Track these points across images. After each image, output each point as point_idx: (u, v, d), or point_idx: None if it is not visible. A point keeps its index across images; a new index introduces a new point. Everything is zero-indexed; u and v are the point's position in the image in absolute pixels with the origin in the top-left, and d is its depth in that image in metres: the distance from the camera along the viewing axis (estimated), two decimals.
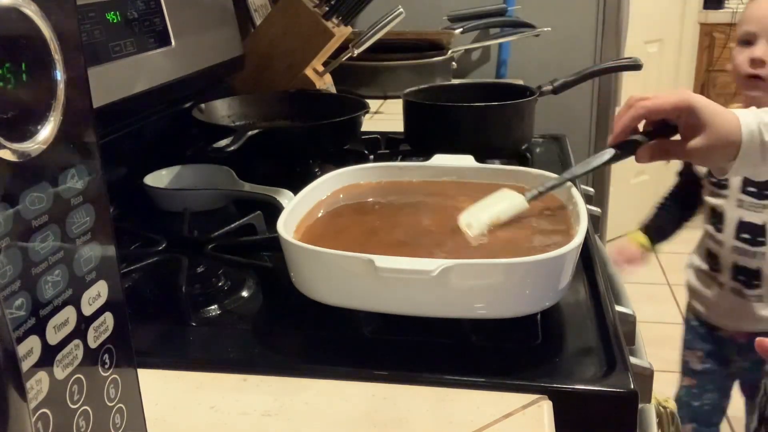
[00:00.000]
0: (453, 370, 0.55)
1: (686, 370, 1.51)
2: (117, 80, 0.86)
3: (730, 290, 1.40)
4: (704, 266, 1.45)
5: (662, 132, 0.79)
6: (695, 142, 0.75)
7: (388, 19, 1.29)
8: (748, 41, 1.31)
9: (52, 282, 0.33)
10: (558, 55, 1.95)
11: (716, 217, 1.40)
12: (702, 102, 0.75)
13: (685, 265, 1.52)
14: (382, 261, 0.54)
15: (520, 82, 1.52)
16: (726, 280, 1.40)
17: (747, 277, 1.37)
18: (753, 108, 0.79)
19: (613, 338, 0.58)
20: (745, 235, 1.35)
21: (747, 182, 1.34)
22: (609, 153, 0.78)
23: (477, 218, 0.70)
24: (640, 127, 0.80)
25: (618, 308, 0.66)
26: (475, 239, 0.68)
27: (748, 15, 1.34)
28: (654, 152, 0.78)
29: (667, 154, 0.79)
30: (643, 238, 1.52)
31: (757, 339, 0.70)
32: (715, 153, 0.77)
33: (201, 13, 1.10)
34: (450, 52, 1.69)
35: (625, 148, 0.78)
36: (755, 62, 1.29)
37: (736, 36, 1.37)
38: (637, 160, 0.79)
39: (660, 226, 1.55)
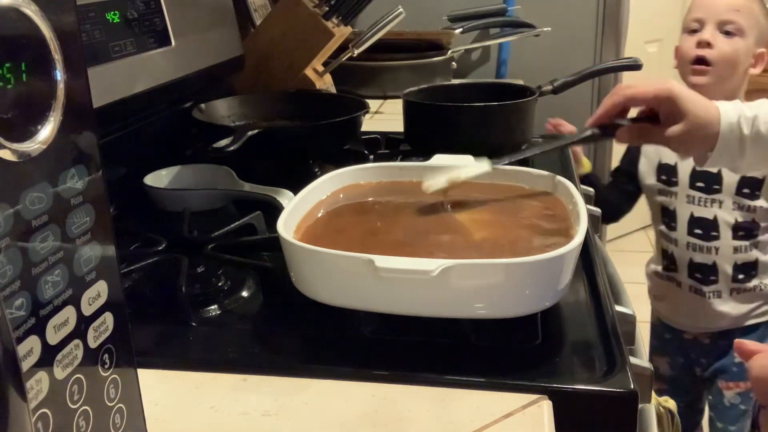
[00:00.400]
0: (453, 370, 0.55)
1: (656, 375, 1.48)
2: (117, 80, 0.86)
3: (688, 289, 1.39)
4: (660, 268, 1.45)
5: (648, 120, 0.82)
6: (674, 128, 0.78)
7: (388, 19, 1.29)
8: (694, 30, 1.32)
9: (52, 282, 0.33)
10: (558, 55, 1.95)
11: (668, 216, 1.40)
12: (682, 91, 0.78)
13: (645, 273, 1.52)
14: (382, 261, 0.54)
15: (520, 82, 1.52)
16: (683, 278, 1.39)
17: (703, 273, 1.37)
18: (737, 101, 0.80)
19: (613, 338, 0.58)
20: (698, 231, 1.35)
21: (695, 177, 1.34)
22: (587, 132, 0.83)
23: (437, 178, 0.75)
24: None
25: (618, 308, 0.66)
26: (432, 195, 0.74)
27: (696, 3, 1.36)
28: (633, 134, 0.82)
29: (646, 138, 0.83)
30: (588, 163, 1.54)
31: (736, 341, 0.71)
32: (694, 141, 0.79)
33: (201, 13, 1.10)
34: (450, 52, 1.69)
35: (605, 131, 0.83)
36: (702, 44, 1.30)
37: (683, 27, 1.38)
38: (617, 140, 0.83)
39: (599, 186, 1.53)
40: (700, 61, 1.30)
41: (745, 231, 1.33)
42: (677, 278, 1.41)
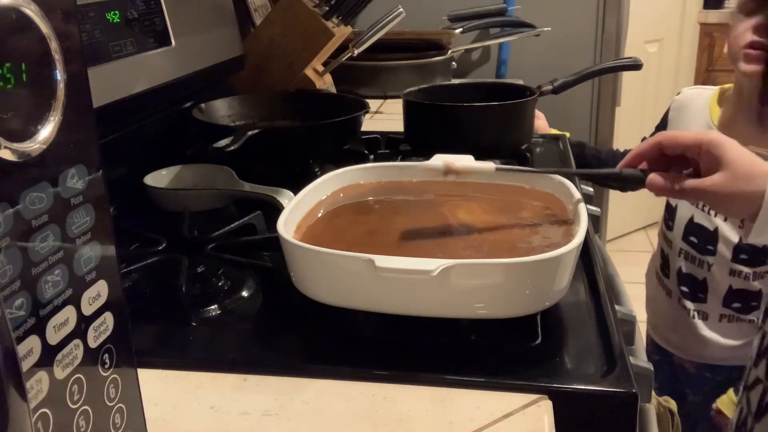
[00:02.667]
0: (453, 370, 0.55)
1: None
2: (117, 80, 0.86)
3: (676, 300, 1.21)
4: (657, 267, 1.27)
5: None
6: (713, 178, 0.68)
7: (388, 18, 1.29)
8: (752, 11, 1.08)
9: (52, 282, 0.33)
10: (558, 55, 1.95)
11: (669, 212, 1.22)
12: (728, 140, 0.69)
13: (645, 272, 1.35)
14: (382, 261, 0.54)
15: (520, 82, 1.52)
16: (673, 286, 1.21)
17: (691, 287, 1.18)
18: None
19: (613, 338, 0.58)
20: (693, 239, 1.16)
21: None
22: (612, 169, 0.76)
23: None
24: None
25: (618, 308, 0.66)
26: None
27: None
28: (667, 181, 0.71)
29: (681, 189, 0.71)
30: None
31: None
32: (735, 199, 0.68)
33: (201, 12, 1.10)
34: (450, 51, 1.70)
35: (632, 177, 0.74)
36: (759, 30, 1.05)
37: (738, 3, 1.12)
38: (649, 188, 0.73)
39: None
40: (756, 45, 1.06)
41: (748, 255, 1.12)
42: (668, 285, 1.24)
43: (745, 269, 1.13)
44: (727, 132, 1.14)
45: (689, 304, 1.19)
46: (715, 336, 1.17)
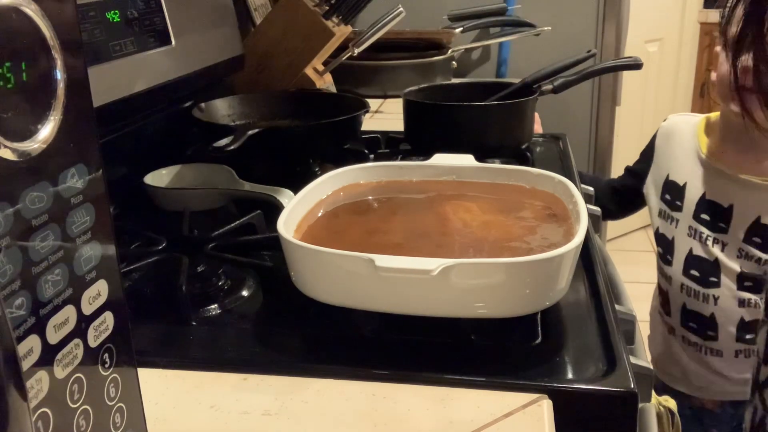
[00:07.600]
0: (453, 369, 0.55)
1: None
2: (117, 80, 0.86)
3: (681, 339, 1.16)
4: (657, 304, 1.21)
5: None
6: None
7: (388, 18, 1.29)
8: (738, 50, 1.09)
9: (52, 281, 0.33)
10: (558, 55, 1.94)
11: (665, 246, 1.17)
12: None
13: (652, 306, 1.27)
14: (383, 260, 0.54)
15: None
16: (676, 325, 1.16)
17: (699, 324, 1.12)
18: None
19: (613, 338, 0.58)
20: (695, 272, 1.12)
21: (702, 207, 1.12)
22: None
23: None
24: None
25: (618, 308, 0.66)
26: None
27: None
28: None
29: None
30: None
31: None
32: None
33: (201, 12, 1.10)
34: (450, 51, 1.69)
35: None
36: (747, 72, 1.03)
37: (722, 39, 1.08)
38: None
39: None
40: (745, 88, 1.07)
41: (753, 282, 1.08)
42: (670, 323, 1.18)
43: (755, 296, 1.08)
44: (717, 160, 1.13)
45: (700, 343, 1.13)
46: (734, 372, 1.12)
